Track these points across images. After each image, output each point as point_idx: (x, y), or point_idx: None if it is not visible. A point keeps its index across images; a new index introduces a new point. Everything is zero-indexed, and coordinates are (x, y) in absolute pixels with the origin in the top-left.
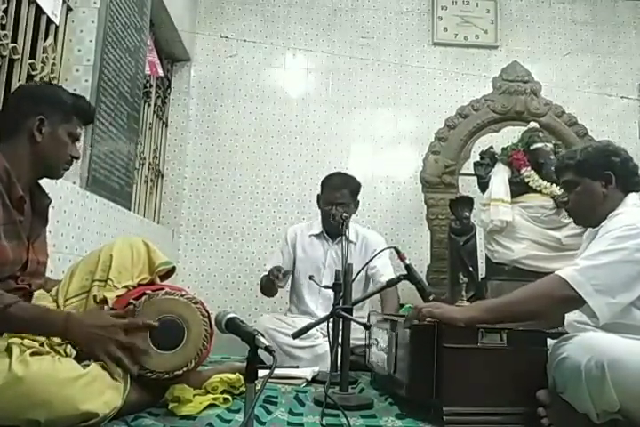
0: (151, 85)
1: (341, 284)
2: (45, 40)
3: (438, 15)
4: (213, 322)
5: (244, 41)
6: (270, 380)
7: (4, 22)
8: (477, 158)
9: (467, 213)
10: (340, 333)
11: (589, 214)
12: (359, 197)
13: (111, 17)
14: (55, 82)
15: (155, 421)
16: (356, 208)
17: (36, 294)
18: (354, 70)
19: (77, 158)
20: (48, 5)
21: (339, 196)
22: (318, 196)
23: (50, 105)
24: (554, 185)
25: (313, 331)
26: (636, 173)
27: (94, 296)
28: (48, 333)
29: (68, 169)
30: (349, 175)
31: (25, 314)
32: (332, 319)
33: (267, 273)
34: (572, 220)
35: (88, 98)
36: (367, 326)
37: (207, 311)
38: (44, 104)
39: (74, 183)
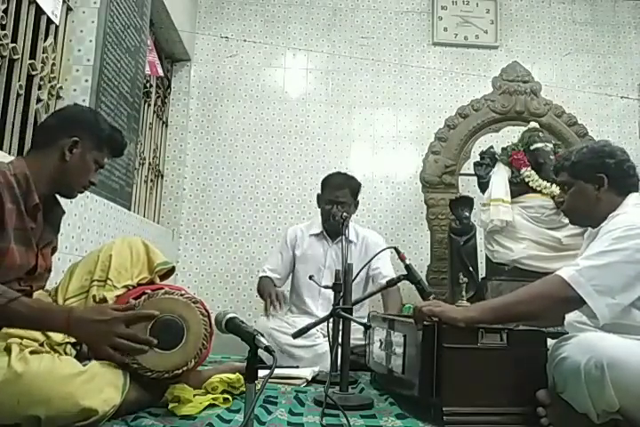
0: (151, 85)
1: (341, 284)
2: (45, 40)
3: (438, 15)
4: (213, 322)
5: (244, 41)
6: (270, 380)
7: (3, 22)
8: (477, 158)
9: (467, 213)
10: (340, 333)
11: (583, 216)
12: (359, 198)
13: (111, 17)
14: (55, 82)
15: (155, 421)
16: (356, 208)
17: (35, 294)
18: (354, 70)
19: (94, 185)
20: (48, 5)
21: (340, 195)
22: (318, 195)
23: (88, 130)
24: (554, 185)
25: (313, 331)
26: (631, 174)
27: (93, 296)
28: (50, 328)
29: (82, 193)
30: (350, 175)
31: (27, 309)
32: (332, 319)
33: (265, 274)
34: None
35: (88, 98)
36: (367, 326)
37: (207, 311)
38: (83, 128)
39: None
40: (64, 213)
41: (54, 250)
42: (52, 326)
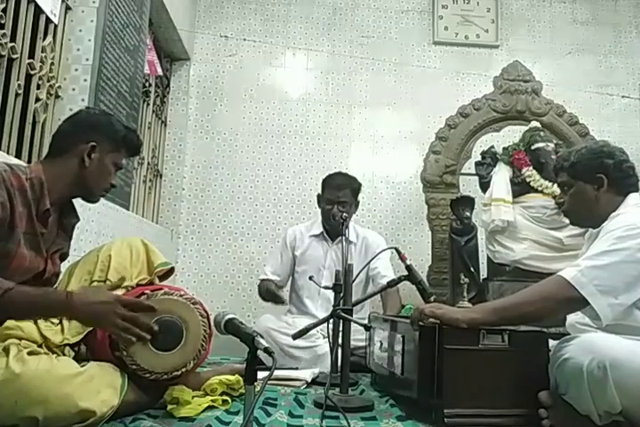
0: (150, 85)
1: (341, 284)
2: (44, 39)
3: (439, 14)
4: (212, 323)
5: (244, 40)
6: (270, 382)
7: (2, 21)
8: (478, 158)
9: (468, 214)
10: (341, 334)
11: (584, 216)
12: (359, 198)
13: (110, 16)
14: (54, 81)
15: (153, 422)
16: (357, 209)
17: None
18: (354, 70)
19: (115, 187)
20: (47, 4)
21: (340, 195)
22: (318, 195)
23: (104, 134)
24: (555, 185)
25: (313, 331)
26: (630, 174)
27: None
28: (51, 312)
29: (104, 196)
30: (351, 175)
31: (25, 296)
32: (332, 320)
33: (266, 277)
34: None
35: (87, 98)
36: (368, 327)
37: (206, 312)
38: (98, 132)
39: None
40: (79, 219)
41: (64, 256)
42: (53, 309)
